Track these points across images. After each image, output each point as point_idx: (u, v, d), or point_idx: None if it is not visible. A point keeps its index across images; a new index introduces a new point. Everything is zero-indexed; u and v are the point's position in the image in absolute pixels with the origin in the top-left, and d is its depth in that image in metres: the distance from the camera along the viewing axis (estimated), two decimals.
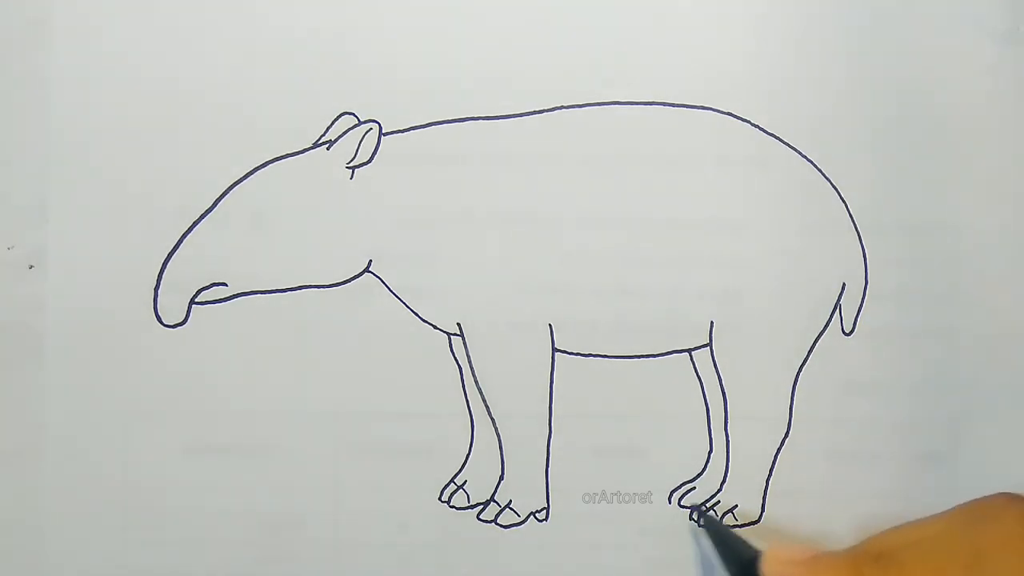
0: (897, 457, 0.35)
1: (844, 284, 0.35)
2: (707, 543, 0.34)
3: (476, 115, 0.34)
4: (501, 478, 0.34)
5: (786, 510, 0.35)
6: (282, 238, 0.34)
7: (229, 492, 0.34)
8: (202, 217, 0.33)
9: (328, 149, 0.34)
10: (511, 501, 0.34)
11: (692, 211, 0.35)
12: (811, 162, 0.35)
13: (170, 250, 0.33)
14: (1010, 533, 0.28)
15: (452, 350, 0.34)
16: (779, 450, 0.35)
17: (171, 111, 0.33)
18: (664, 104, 0.35)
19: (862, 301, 0.35)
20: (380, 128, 0.34)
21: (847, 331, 0.35)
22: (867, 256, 0.35)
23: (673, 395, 0.35)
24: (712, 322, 0.35)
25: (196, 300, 0.33)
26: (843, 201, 0.35)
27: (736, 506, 0.35)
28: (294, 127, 0.34)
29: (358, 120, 0.34)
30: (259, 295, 0.34)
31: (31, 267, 0.33)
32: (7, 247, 0.33)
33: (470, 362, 0.34)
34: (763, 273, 0.35)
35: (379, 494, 0.34)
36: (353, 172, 0.34)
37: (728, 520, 0.35)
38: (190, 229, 0.33)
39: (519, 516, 0.34)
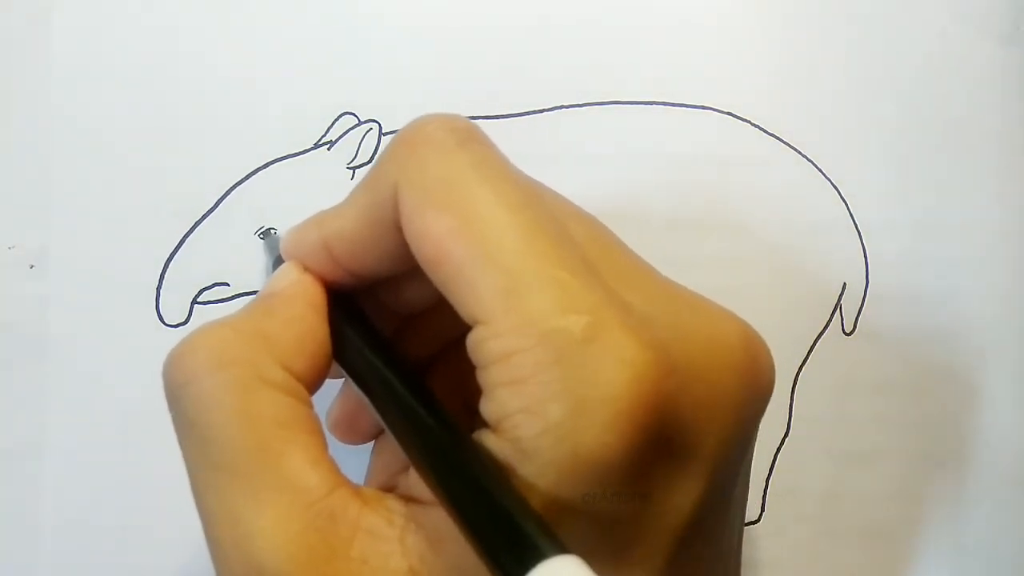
0: (897, 457, 0.35)
1: (844, 284, 0.35)
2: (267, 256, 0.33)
3: (476, 115, 0.34)
4: None
5: (786, 510, 0.35)
6: None
7: None
8: (204, 217, 0.33)
9: (329, 150, 0.34)
10: None
11: (692, 211, 0.35)
12: (811, 162, 0.35)
13: (172, 250, 0.33)
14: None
15: None
16: (779, 450, 0.35)
17: (172, 111, 0.33)
18: (664, 104, 0.35)
19: (862, 301, 0.35)
20: (380, 128, 0.34)
21: (847, 331, 0.35)
22: (867, 256, 0.35)
23: None
24: None
25: (198, 300, 0.33)
26: (843, 201, 0.35)
27: None
28: (294, 127, 0.34)
29: (358, 120, 0.34)
30: None
31: (32, 267, 0.33)
32: (8, 247, 0.33)
33: None
34: (763, 273, 0.35)
35: None
36: (354, 172, 0.34)
37: None
38: (192, 229, 0.33)
39: None
